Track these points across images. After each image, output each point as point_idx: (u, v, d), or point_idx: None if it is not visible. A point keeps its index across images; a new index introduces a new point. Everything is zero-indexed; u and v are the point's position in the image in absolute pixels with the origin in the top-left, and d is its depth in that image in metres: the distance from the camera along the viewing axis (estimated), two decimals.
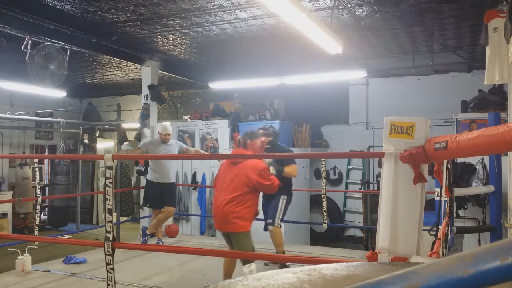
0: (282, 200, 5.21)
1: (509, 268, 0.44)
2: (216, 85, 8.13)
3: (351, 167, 8.99)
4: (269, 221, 5.17)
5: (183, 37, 6.56)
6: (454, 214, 4.25)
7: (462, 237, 5.22)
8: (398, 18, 5.40)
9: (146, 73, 7.70)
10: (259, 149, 4.43)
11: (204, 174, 8.37)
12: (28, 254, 5.14)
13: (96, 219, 10.66)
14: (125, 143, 9.56)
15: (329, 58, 6.17)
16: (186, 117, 9.74)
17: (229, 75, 8.02)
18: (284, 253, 5.12)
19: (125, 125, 9.53)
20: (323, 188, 6.23)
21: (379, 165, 3.31)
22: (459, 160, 5.26)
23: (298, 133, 8.69)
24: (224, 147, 8.28)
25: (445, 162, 2.34)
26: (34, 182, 6.50)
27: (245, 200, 4.07)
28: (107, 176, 3.55)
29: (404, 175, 2.15)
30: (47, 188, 10.41)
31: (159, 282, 4.81)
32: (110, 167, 3.53)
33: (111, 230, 3.51)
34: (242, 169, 4.15)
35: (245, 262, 4.04)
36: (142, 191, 6.86)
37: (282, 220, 5.23)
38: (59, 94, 8.47)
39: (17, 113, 8.83)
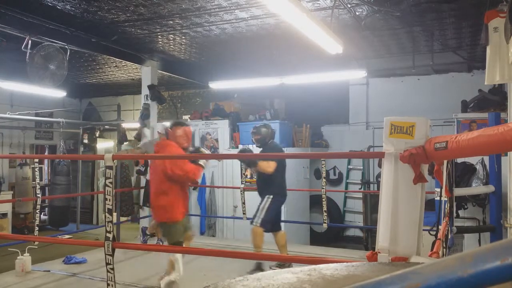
0: (266, 200, 5.13)
1: (509, 268, 0.44)
2: (216, 85, 8.13)
3: (351, 167, 8.99)
4: (251, 219, 5.17)
5: (183, 37, 6.56)
6: (454, 214, 4.25)
7: (462, 237, 5.22)
8: (398, 18, 5.40)
9: (146, 73, 7.70)
10: (180, 138, 4.41)
11: (204, 174, 8.36)
12: (28, 254, 5.14)
13: (96, 219, 10.65)
14: (125, 143, 9.56)
15: (329, 58, 6.17)
16: (186, 117, 9.74)
17: (229, 75, 8.02)
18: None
19: (125, 125, 9.53)
20: (323, 188, 6.23)
21: (379, 165, 3.31)
22: (459, 160, 5.26)
23: (298, 133, 8.69)
24: (224, 147, 8.28)
25: (445, 162, 2.34)
26: (34, 182, 6.51)
27: (166, 190, 4.16)
28: (107, 176, 3.55)
29: (404, 175, 2.15)
30: (47, 188, 10.41)
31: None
32: (110, 167, 3.53)
33: (111, 230, 3.51)
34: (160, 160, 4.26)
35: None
36: (142, 191, 6.86)
37: (264, 222, 5.05)
38: (59, 94, 8.46)
39: (17, 113, 8.83)
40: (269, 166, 5.05)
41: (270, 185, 5.18)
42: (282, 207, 5.57)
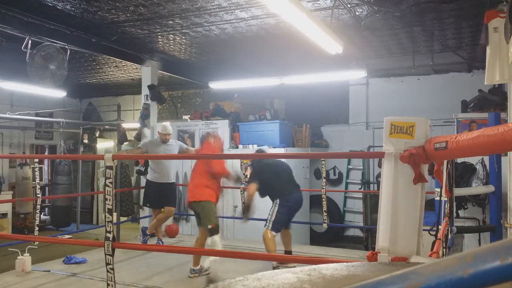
0: (274, 205, 5.28)
1: (509, 268, 0.44)
2: (216, 85, 8.12)
3: (351, 167, 8.98)
4: (264, 224, 5.27)
5: (183, 37, 6.56)
6: (454, 214, 4.25)
7: (462, 237, 5.21)
8: (398, 18, 5.40)
9: (146, 73, 7.69)
10: (213, 146, 5.36)
11: None
12: (28, 254, 5.14)
13: (96, 219, 10.65)
14: (125, 143, 9.56)
15: (329, 58, 6.17)
16: (186, 117, 9.74)
17: (229, 75, 8.02)
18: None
19: (125, 125, 9.52)
20: (323, 188, 6.23)
21: (379, 165, 3.31)
22: (459, 160, 5.25)
23: (298, 133, 8.68)
24: (224, 147, 8.27)
25: (445, 162, 2.34)
26: (34, 182, 6.50)
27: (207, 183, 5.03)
28: (107, 176, 3.55)
29: (404, 175, 2.15)
30: (47, 188, 10.41)
31: (159, 282, 4.81)
32: (110, 167, 3.52)
33: (111, 230, 3.51)
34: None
35: (211, 234, 4.81)
36: (142, 191, 6.86)
37: (276, 226, 5.19)
38: (59, 94, 8.46)
39: (17, 113, 8.83)
40: (249, 190, 5.27)
41: (272, 192, 5.39)
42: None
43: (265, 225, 5.22)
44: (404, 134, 2.16)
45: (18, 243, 5.51)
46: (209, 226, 4.79)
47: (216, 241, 4.76)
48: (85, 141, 10.46)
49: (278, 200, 5.27)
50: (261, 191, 5.36)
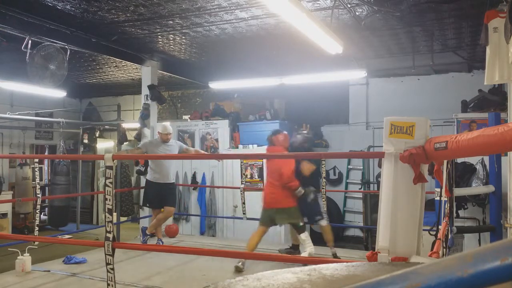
0: (319, 197, 5.52)
1: (509, 268, 0.44)
2: (216, 85, 8.12)
3: (351, 167, 8.98)
4: (318, 217, 5.41)
5: (183, 37, 6.56)
6: (454, 214, 4.25)
7: (462, 237, 5.21)
8: (398, 18, 5.40)
9: (146, 73, 7.69)
10: (283, 142, 5.36)
11: (204, 174, 8.37)
12: (28, 254, 5.14)
13: (96, 219, 10.65)
14: (125, 143, 9.56)
15: (329, 58, 6.17)
16: (186, 117, 9.74)
17: (229, 75, 8.02)
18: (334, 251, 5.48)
19: (125, 125, 9.53)
20: (323, 188, 6.23)
21: (379, 165, 3.32)
22: (459, 160, 5.25)
23: None
24: (224, 147, 8.27)
25: (445, 162, 2.34)
26: (34, 182, 6.50)
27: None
28: (107, 176, 3.55)
29: (404, 175, 2.16)
30: (47, 188, 10.40)
31: (159, 282, 4.81)
32: (110, 167, 3.52)
33: (111, 230, 3.51)
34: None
35: (300, 231, 5.15)
36: (142, 191, 6.86)
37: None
38: (59, 94, 8.46)
39: (17, 113, 8.82)
40: (308, 169, 5.37)
41: (317, 183, 5.66)
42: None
43: (322, 219, 5.38)
44: (404, 134, 2.16)
45: (18, 243, 5.51)
46: (301, 224, 5.17)
47: (305, 239, 5.12)
48: (85, 141, 10.45)
49: (319, 194, 5.55)
50: (314, 179, 5.52)
